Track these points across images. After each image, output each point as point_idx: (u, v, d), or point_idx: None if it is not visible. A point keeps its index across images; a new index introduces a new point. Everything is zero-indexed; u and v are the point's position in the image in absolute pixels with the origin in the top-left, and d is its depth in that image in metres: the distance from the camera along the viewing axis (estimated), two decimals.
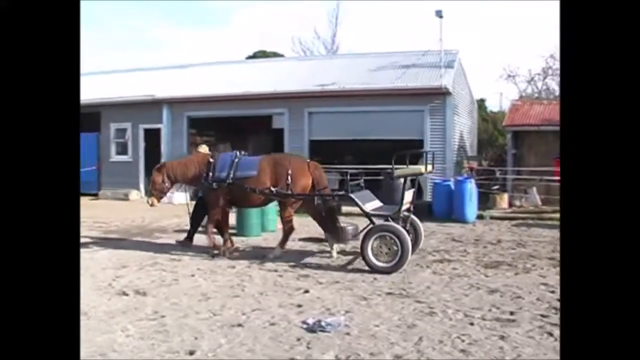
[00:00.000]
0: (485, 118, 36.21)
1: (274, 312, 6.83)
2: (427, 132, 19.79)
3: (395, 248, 8.93)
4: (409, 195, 10.09)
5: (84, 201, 20.37)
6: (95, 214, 16.44)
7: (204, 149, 12.30)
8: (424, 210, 16.51)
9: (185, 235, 11.92)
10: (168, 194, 11.76)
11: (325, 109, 21.02)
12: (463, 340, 5.79)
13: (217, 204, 10.69)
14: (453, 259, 10.10)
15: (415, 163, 9.79)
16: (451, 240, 12.31)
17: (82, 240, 12.46)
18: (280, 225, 12.42)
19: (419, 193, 19.12)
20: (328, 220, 10.49)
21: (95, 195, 23.19)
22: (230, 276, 8.84)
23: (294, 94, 21.20)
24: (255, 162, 10.65)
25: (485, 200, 17.44)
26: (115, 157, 24.25)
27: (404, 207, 9.87)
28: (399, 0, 63.43)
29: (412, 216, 10.43)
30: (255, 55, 41.65)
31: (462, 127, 22.83)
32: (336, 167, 19.08)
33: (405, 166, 10.21)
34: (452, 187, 16.30)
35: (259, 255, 10.47)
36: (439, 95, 19.66)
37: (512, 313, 6.68)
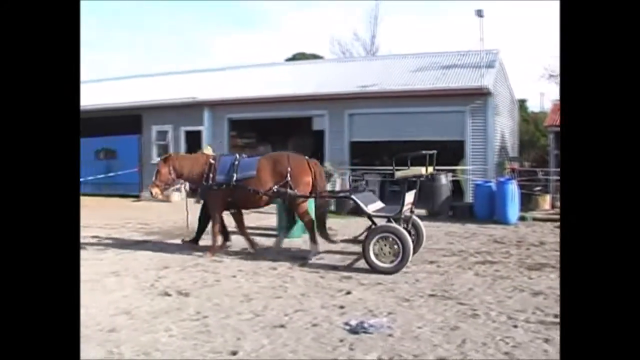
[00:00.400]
0: (527, 119, 35.88)
1: (317, 313, 6.81)
2: (468, 133, 19.65)
3: (396, 248, 8.97)
4: (410, 197, 10.08)
5: (126, 203, 20.64)
6: (137, 216, 16.65)
7: (208, 150, 12.44)
8: (465, 212, 16.41)
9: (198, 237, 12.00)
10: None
11: (365, 110, 21.00)
12: (507, 343, 5.72)
13: (218, 206, 10.86)
14: (495, 261, 9.98)
15: (423, 164, 9.70)
16: (493, 242, 12.17)
17: (125, 240, 12.63)
18: None
19: (460, 194, 19.10)
20: (319, 220, 10.54)
21: (137, 196, 23.43)
22: (272, 277, 8.85)
23: (334, 96, 21.22)
24: (254, 163, 10.69)
25: (527, 201, 17.19)
26: (157, 159, 24.46)
27: (405, 208, 9.87)
28: (438, 0, 63.07)
29: (414, 217, 10.48)
30: (294, 58, 41.79)
31: (503, 127, 22.61)
32: (376, 169, 19.02)
33: (406, 168, 10.07)
34: (494, 188, 16.10)
35: (298, 256, 10.45)
36: (479, 95, 19.51)
37: (556, 316, 6.56)
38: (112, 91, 27.18)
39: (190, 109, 23.45)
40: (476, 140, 19.47)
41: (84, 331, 6.28)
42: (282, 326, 6.34)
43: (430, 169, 10.14)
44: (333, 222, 14.71)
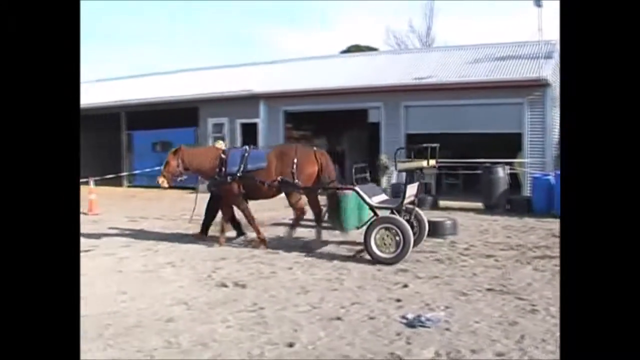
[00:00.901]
0: None
1: (373, 306, 6.79)
2: (525, 125, 19.31)
3: (397, 239, 9.12)
4: (412, 189, 10.18)
5: (183, 195, 20.83)
6: (192, 207, 16.81)
7: (220, 144, 12.70)
8: (522, 205, 16.10)
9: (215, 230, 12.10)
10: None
11: (421, 103, 20.82)
12: None
13: (231, 198, 11.09)
14: (554, 255, 9.76)
15: (426, 157, 9.80)
16: (552, 236, 11.90)
17: (181, 233, 12.77)
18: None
19: (517, 188, 18.80)
20: (333, 210, 10.51)
21: (193, 189, 23.66)
22: (328, 269, 8.85)
23: (389, 88, 21.11)
24: (264, 154, 10.95)
25: None
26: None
27: (407, 200, 9.98)
28: None
29: (417, 209, 10.54)
30: (349, 50, 41.63)
31: None
32: None
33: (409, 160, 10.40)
34: (553, 181, 15.76)
35: (351, 250, 10.41)
36: (538, 87, 19.14)
37: None
38: (170, 84, 27.49)
39: (246, 102, 23.59)
40: (534, 133, 19.11)
41: (142, 320, 6.41)
42: (338, 319, 6.34)
43: (432, 162, 10.27)
44: None
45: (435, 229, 11.32)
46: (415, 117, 21.09)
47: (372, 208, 9.98)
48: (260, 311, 6.67)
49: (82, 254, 10.28)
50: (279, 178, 10.57)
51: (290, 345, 5.56)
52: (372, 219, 9.77)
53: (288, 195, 11.16)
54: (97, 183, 18.46)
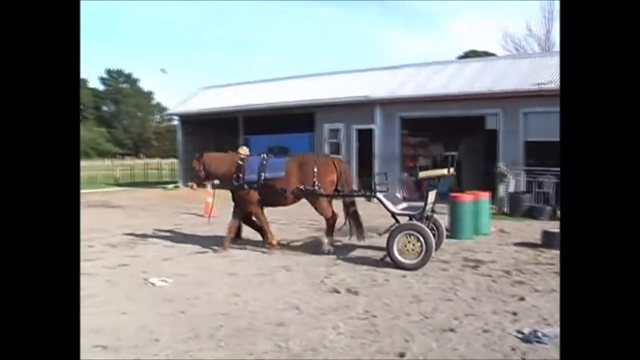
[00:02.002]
0: None
1: (488, 319, 6.59)
2: None
3: (419, 246, 9.31)
4: (432, 196, 10.32)
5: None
6: (306, 212, 16.93)
7: (243, 150, 13.09)
8: None
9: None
10: None
11: (541, 109, 20.13)
12: None
13: (246, 204, 11.39)
14: None
15: (445, 167, 10.45)
16: None
17: (294, 236, 12.87)
18: (494, 229, 12.16)
19: None
20: (353, 217, 11.05)
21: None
22: (442, 279, 8.68)
23: (508, 94, 20.55)
24: (283, 163, 11.24)
25: None
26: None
27: (428, 206, 10.15)
28: None
29: (435, 216, 10.73)
30: (466, 55, 41.04)
31: None
32: (552, 170, 18.22)
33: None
34: None
35: (469, 259, 10.20)
36: None
37: None
38: (286, 90, 27.85)
39: (362, 107, 23.56)
40: None
41: (253, 323, 6.47)
42: (451, 330, 6.19)
43: (452, 170, 10.56)
44: (506, 225, 14.27)
45: (554, 241, 10.93)
46: (535, 124, 20.43)
47: (393, 215, 10.20)
48: (372, 319, 6.61)
49: (198, 256, 10.54)
50: (301, 186, 10.88)
51: (401, 355, 5.47)
52: (394, 226, 9.93)
53: (315, 204, 11.17)
54: (214, 186, 18.87)
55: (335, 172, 11.00)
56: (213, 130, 30.13)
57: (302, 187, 10.83)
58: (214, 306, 7.22)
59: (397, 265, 9.38)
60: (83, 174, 41.62)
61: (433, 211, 10.54)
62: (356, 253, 10.82)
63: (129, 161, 62.83)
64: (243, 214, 11.70)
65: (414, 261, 9.31)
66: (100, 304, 7.44)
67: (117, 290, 8.22)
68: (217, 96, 31.14)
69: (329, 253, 10.68)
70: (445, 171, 10.43)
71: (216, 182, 11.74)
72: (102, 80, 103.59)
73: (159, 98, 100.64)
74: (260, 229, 11.87)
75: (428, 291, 7.90)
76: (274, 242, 11.24)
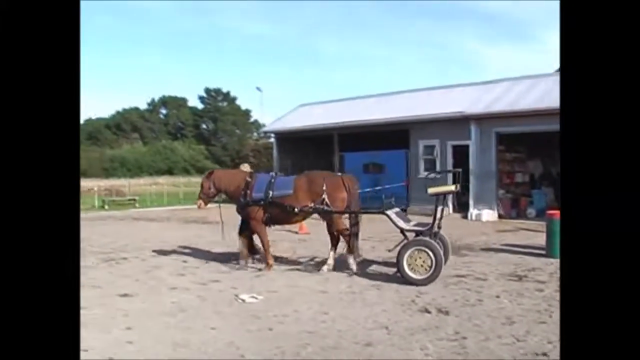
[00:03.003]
0: None
1: None
2: None
3: (429, 261, 9.45)
4: (439, 212, 10.31)
5: None
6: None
7: (245, 167, 12.98)
8: None
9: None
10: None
11: None
12: None
13: (252, 221, 11.42)
14: None
15: (454, 182, 10.80)
16: None
17: (388, 254, 12.72)
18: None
19: None
20: (354, 237, 11.03)
21: (404, 210, 23.61)
22: (538, 300, 8.37)
23: None
24: (290, 182, 11.36)
25: None
26: (424, 174, 24.50)
27: (436, 223, 10.25)
28: None
29: (440, 232, 10.68)
30: None
31: None
32: None
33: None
34: None
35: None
36: None
37: None
38: (381, 106, 27.79)
39: (456, 123, 23.21)
40: None
41: (340, 342, 6.37)
42: (544, 354, 5.95)
43: (458, 186, 10.93)
44: None
45: None
46: None
47: (402, 231, 10.29)
48: (462, 341, 6.42)
49: (289, 273, 10.55)
50: (310, 204, 10.95)
51: None
52: (403, 242, 9.96)
53: (329, 221, 11.15)
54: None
55: (345, 190, 11.02)
56: (308, 147, 30.34)
57: (311, 204, 10.91)
58: (301, 324, 7.19)
59: (406, 280, 9.52)
60: (183, 189, 42.71)
61: (439, 227, 10.52)
62: (446, 272, 10.56)
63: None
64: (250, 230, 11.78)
65: (424, 276, 9.47)
66: (189, 319, 7.52)
67: (207, 306, 8.30)
68: (313, 113, 31.38)
69: (355, 273, 10.63)
70: (453, 187, 10.72)
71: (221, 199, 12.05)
72: (201, 98, 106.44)
73: (256, 115, 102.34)
74: (252, 246, 12.05)
75: (522, 313, 7.61)
76: (271, 262, 11.32)
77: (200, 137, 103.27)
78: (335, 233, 11.19)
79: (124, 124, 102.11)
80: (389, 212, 10.42)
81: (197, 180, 61.93)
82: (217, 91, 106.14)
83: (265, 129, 38.21)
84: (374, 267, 11.09)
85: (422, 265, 9.50)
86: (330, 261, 11.09)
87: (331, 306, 8.06)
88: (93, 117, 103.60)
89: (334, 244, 11.29)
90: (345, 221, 11.28)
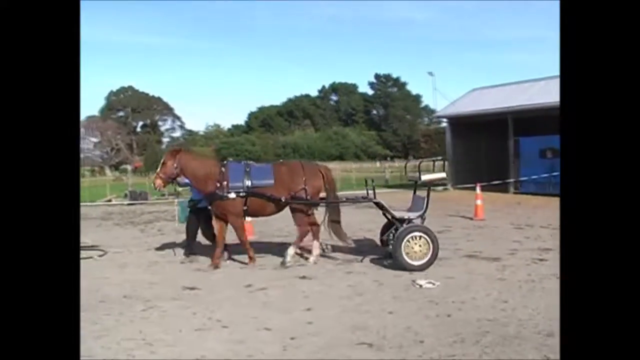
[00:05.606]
0: None
1: None
2: None
3: (426, 247, 9.72)
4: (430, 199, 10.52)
5: None
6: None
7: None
8: None
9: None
10: None
11: None
12: None
13: (231, 214, 10.55)
14: None
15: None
16: None
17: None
18: None
19: None
20: (335, 222, 10.92)
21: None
22: None
23: None
24: (269, 171, 10.74)
25: None
26: None
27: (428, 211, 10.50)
28: None
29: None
30: None
31: None
32: None
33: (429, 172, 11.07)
34: None
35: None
36: None
37: None
38: (557, 89, 26.71)
39: None
40: None
41: (521, 331, 6.23)
42: None
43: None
44: None
45: None
46: None
47: (394, 218, 10.41)
48: None
49: (466, 259, 10.43)
50: (293, 194, 10.55)
51: None
52: (397, 230, 9.99)
53: (295, 213, 10.74)
54: (483, 189, 18.62)
55: (322, 180, 10.79)
56: (482, 132, 29.76)
57: (293, 194, 10.53)
58: (480, 311, 7.10)
59: (402, 267, 9.64)
60: (355, 175, 43.25)
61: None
62: None
63: (397, 163, 64.27)
64: (216, 225, 11.05)
65: (421, 262, 9.66)
66: (368, 303, 7.64)
67: (384, 290, 8.38)
68: (486, 97, 30.72)
69: (315, 263, 10.66)
70: (444, 174, 11.06)
71: (185, 180, 10.96)
72: (371, 84, 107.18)
73: (427, 100, 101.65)
74: (216, 239, 11.06)
75: None
76: (252, 254, 10.85)
77: (371, 122, 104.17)
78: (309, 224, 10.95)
79: (295, 110, 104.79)
80: (381, 201, 10.62)
81: (368, 165, 62.75)
82: (387, 77, 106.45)
83: (437, 114, 37.90)
84: (552, 254, 10.68)
85: (419, 252, 9.67)
86: (317, 251, 10.95)
87: (510, 294, 7.89)
88: (266, 105, 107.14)
89: (315, 234, 11.03)
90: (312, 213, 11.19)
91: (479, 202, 17.24)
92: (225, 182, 10.33)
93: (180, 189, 12.45)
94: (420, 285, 8.53)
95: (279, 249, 11.64)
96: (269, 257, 11.18)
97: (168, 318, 7.30)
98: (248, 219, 12.34)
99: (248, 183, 10.41)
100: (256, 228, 14.29)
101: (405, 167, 10.87)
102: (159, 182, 10.71)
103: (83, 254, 11.68)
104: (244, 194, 10.42)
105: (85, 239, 14.28)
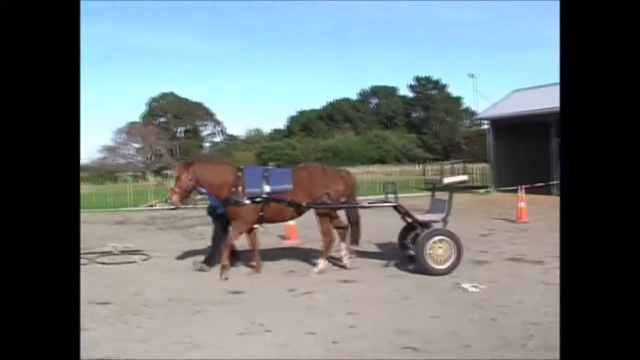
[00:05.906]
0: None
1: None
2: None
3: (450, 251, 9.67)
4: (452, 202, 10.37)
5: None
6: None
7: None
8: None
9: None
10: None
11: None
12: None
13: (247, 220, 10.29)
14: None
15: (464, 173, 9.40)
16: None
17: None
18: None
19: None
20: (356, 225, 10.92)
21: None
22: None
23: None
24: (288, 175, 10.47)
25: None
26: None
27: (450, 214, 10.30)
28: None
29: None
30: None
31: None
32: None
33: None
34: None
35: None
36: None
37: None
38: None
39: None
40: None
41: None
42: None
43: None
44: None
45: None
46: None
47: (417, 222, 10.27)
48: None
49: (509, 262, 10.37)
50: (320, 199, 10.30)
51: None
52: (420, 233, 9.89)
53: (321, 218, 10.48)
54: (526, 191, 18.43)
55: (343, 184, 10.57)
56: (524, 133, 29.43)
57: (317, 200, 10.28)
58: (525, 315, 7.08)
59: (425, 270, 9.55)
60: (395, 178, 43.12)
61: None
62: None
63: (437, 166, 63.90)
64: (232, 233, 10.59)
65: (445, 267, 9.61)
66: (411, 307, 7.64)
67: (427, 294, 8.39)
68: (528, 99, 30.38)
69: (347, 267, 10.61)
70: (465, 177, 11.07)
71: (202, 190, 10.83)
72: (411, 87, 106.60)
73: (467, 102, 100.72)
74: (250, 245, 10.99)
75: None
76: (259, 264, 10.74)
77: (412, 125, 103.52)
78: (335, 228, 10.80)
79: (336, 114, 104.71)
80: (403, 205, 10.42)
81: (409, 169, 62.40)
82: (427, 79, 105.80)
83: (478, 116, 37.63)
84: None
85: (442, 255, 9.62)
86: (345, 252, 10.78)
87: (555, 298, 7.80)
88: (306, 109, 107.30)
89: (342, 237, 10.89)
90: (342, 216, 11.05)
91: (522, 204, 17.06)
92: (241, 188, 10.08)
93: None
94: (465, 289, 8.50)
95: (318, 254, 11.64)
96: (310, 263, 11.19)
97: (214, 321, 7.41)
98: (291, 222, 12.51)
99: (266, 188, 10.13)
100: (301, 232, 14.29)
101: (425, 170, 11.02)
102: (175, 197, 10.37)
103: (127, 258, 11.87)
104: (260, 199, 10.14)
105: (129, 243, 14.55)
